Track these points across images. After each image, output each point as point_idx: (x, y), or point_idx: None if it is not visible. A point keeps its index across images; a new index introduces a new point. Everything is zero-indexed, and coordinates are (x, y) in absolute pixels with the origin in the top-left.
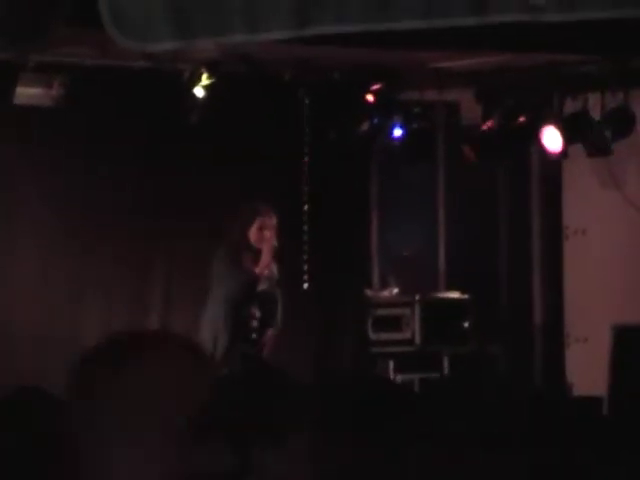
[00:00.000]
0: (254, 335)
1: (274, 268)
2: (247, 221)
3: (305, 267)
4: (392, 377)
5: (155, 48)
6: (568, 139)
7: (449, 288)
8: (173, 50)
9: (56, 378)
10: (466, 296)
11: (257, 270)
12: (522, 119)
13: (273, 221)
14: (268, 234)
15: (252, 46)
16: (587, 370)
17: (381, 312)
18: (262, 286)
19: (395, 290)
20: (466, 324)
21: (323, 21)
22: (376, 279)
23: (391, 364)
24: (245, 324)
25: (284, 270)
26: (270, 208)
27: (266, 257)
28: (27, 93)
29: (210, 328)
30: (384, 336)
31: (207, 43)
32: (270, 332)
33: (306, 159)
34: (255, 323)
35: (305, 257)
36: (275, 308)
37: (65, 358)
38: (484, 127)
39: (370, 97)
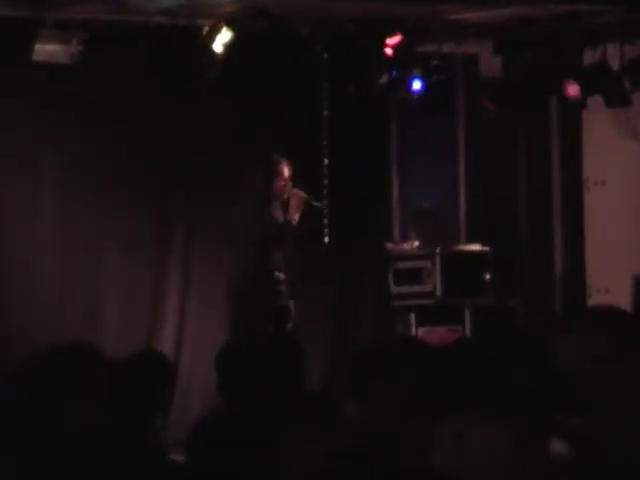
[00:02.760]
0: (282, 287)
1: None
2: (270, 172)
3: (325, 221)
4: (414, 330)
5: (160, 4)
6: (587, 90)
7: (469, 240)
8: (190, 5)
9: (74, 332)
10: (487, 248)
11: (288, 216)
12: (541, 70)
13: (289, 167)
14: (290, 186)
15: (270, 1)
16: None
17: (402, 265)
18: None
19: (416, 243)
20: (487, 276)
21: None
22: (397, 232)
23: (412, 317)
24: (272, 274)
25: (305, 224)
26: (283, 155)
27: (294, 204)
28: (46, 50)
29: (238, 278)
30: (405, 289)
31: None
32: None
33: (325, 113)
34: (280, 275)
35: (325, 211)
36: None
37: (84, 312)
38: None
39: (388, 50)
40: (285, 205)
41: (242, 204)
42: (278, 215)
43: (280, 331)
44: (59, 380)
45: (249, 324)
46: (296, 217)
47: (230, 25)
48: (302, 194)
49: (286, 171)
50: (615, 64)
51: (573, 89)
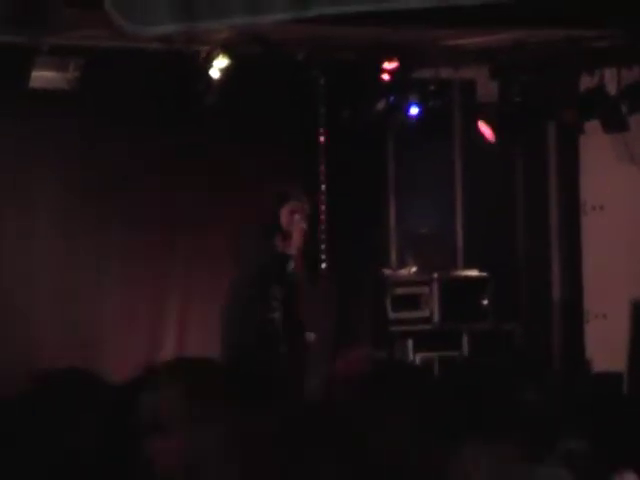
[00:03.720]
0: (276, 314)
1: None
2: (279, 204)
3: (323, 247)
4: (411, 356)
5: (156, 32)
6: (585, 115)
7: (467, 266)
8: (187, 31)
9: (75, 353)
10: (484, 274)
11: (289, 250)
12: (538, 96)
13: (305, 205)
14: (298, 217)
15: (267, 27)
16: (606, 346)
17: (400, 291)
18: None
19: (413, 269)
20: (485, 302)
21: (323, 2)
22: (394, 258)
23: (410, 343)
24: (268, 304)
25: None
26: (302, 192)
27: (297, 238)
28: (43, 76)
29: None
30: (403, 315)
31: (208, 26)
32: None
33: (322, 139)
34: (276, 304)
35: (322, 237)
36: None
37: (85, 333)
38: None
39: (385, 76)
40: (287, 236)
41: (248, 234)
42: (280, 246)
43: (273, 356)
44: (57, 404)
45: (242, 348)
46: (297, 251)
47: (227, 51)
48: (303, 226)
49: (299, 204)
50: (612, 89)
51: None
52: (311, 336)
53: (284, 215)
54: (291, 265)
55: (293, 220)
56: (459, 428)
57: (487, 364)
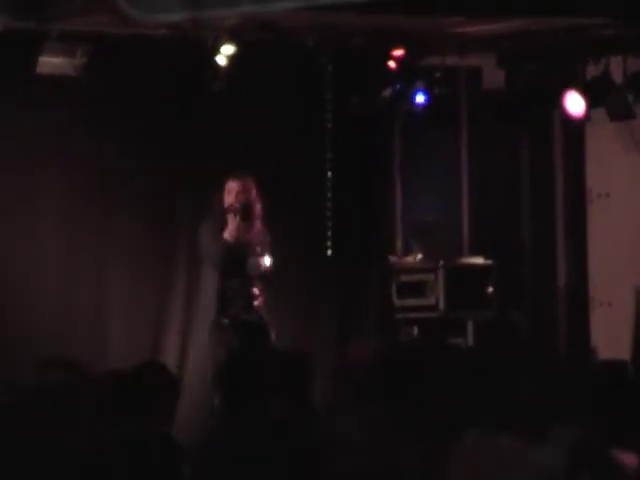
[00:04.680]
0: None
1: (262, 233)
2: (221, 189)
3: (329, 234)
4: None
5: (164, 19)
6: (590, 103)
7: (473, 253)
8: (194, 18)
9: (79, 346)
10: (490, 261)
11: (225, 236)
12: (544, 84)
13: (236, 184)
14: (230, 199)
15: (274, 14)
16: (611, 334)
17: (405, 278)
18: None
19: (419, 256)
20: (490, 289)
21: None
22: (400, 245)
23: (415, 330)
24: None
25: (308, 237)
26: (238, 172)
27: (231, 222)
28: (50, 62)
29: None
30: (408, 302)
31: (217, 14)
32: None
33: (329, 126)
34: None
35: (329, 224)
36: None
37: (87, 326)
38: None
39: (392, 63)
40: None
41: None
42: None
43: (257, 347)
44: (58, 396)
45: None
46: (233, 235)
47: (234, 38)
48: (237, 205)
49: (230, 183)
50: (618, 77)
51: (575, 106)
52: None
53: (218, 200)
54: (244, 252)
55: (233, 206)
56: (460, 414)
57: (487, 351)
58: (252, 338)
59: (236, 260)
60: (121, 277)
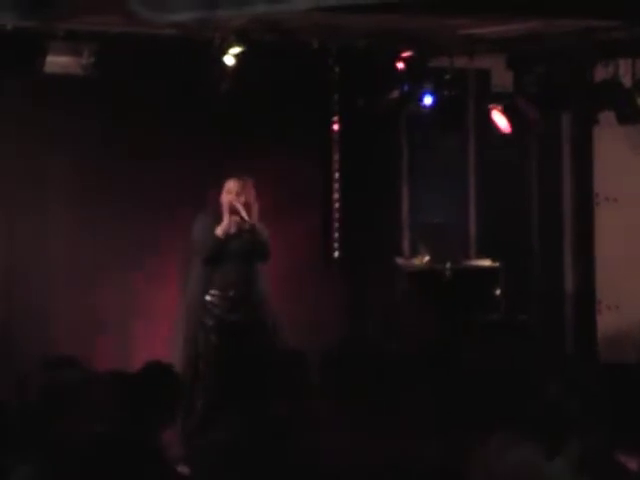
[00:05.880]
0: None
1: (260, 228)
2: (218, 187)
3: (336, 235)
4: None
5: (176, 19)
6: (599, 106)
7: (480, 256)
8: (201, 18)
9: (86, 345)
10: (497, 264)
11: (218, 232)
12: (553, 86)
13: (233, 184)
14: (228, 197)
15: (282, 14)
16: (618, 337)
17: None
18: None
19: (426, 258)
20: (497, 292)
21: None
22: (407, 247)
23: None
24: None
25: (315, 238)
26: (238, 173)
27: (225, 219)
28: (57, 62)
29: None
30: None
31: (228, 14)
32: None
33: (336, 127)
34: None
35: (336, 225)
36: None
37: (102, 318)
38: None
39: (400, 64)
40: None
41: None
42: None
43: (238, 347)
44: (61, 394)
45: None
46: (225, 230)
47: (241, 38)
48: (235, 204)
49: (229, 183)
50: (627, 80)
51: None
52: None
53: (215, 198)
54: (232, 246)
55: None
56: (486, 418)
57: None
58: (235, 341)
59: (227, 255)
60: (135, 265)
